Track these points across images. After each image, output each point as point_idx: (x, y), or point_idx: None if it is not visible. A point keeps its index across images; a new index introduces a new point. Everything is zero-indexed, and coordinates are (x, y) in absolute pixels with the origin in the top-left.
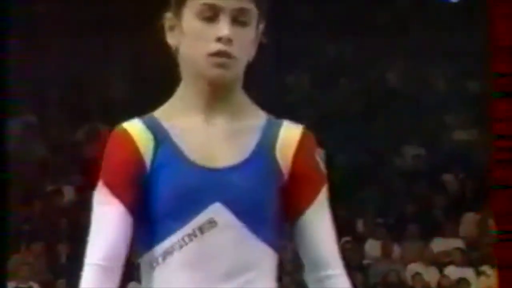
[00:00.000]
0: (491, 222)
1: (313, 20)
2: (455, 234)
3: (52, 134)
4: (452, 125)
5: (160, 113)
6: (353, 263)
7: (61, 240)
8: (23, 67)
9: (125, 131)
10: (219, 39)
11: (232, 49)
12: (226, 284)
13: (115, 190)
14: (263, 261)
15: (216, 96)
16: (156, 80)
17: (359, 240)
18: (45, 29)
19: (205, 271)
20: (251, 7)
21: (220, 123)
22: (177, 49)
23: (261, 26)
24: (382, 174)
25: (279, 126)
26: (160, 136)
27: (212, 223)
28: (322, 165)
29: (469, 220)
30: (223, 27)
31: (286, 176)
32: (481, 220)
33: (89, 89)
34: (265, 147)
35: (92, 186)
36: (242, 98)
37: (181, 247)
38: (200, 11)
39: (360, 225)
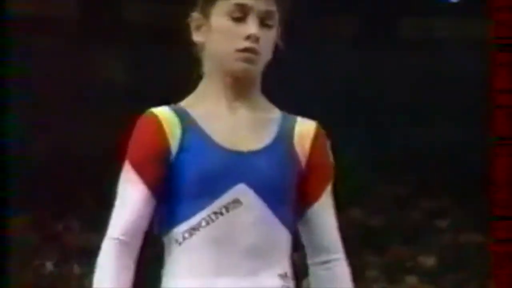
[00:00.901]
0: None
1: None
2: None
3: (40, 227)
4: None
5: (185, 103)
6: None
7: None
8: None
9: (153, 115)
10: (248, 37)
11: (259, 47)
12: (248, 261)
13: (140, 169)
14: (281, 242)
15: (238, 90)
16: None
17: None
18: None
19: (230, 248)
20: (276, 10)
21: (243, 112)
22: (202, 46)
23: (279, 30)
24: None
25: (294, 120)
26: (186, 121)
27: (236, 202)
28: (331, 158)
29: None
30: (252, 27)
31: (303, 166)
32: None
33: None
34: (284, 137)
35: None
36: (259, 94)
37: (207, 223)
38: (231, 11)
39: None
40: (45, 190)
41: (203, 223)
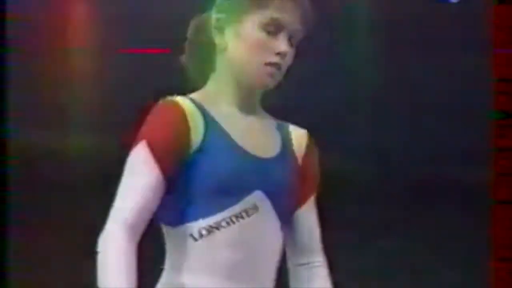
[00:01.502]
0: None
1: None
2: None
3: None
4: None
5: (198, 98)
6: None
7: None
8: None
9: (176, 104)
10: (278, 53)
11: (283, 63)
12: (257, 268)
13: (157, 153)
14: (279, 252)
15: (250, 98)
16: None
17: None
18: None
19: (244, 253)
20: (302, 31)
21: (254, 119)
22: (223, 48)
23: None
24: None
25: (287, 126)
26: (208, 117)
27: (255, 208)
28: (318, 167)
29: None
30: (284, 44)
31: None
32: None
33: None
34: (286, 143)
35: None
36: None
37: (228, 224)
38: (266, 24)
39: None
40: None
41: (223, 224)
